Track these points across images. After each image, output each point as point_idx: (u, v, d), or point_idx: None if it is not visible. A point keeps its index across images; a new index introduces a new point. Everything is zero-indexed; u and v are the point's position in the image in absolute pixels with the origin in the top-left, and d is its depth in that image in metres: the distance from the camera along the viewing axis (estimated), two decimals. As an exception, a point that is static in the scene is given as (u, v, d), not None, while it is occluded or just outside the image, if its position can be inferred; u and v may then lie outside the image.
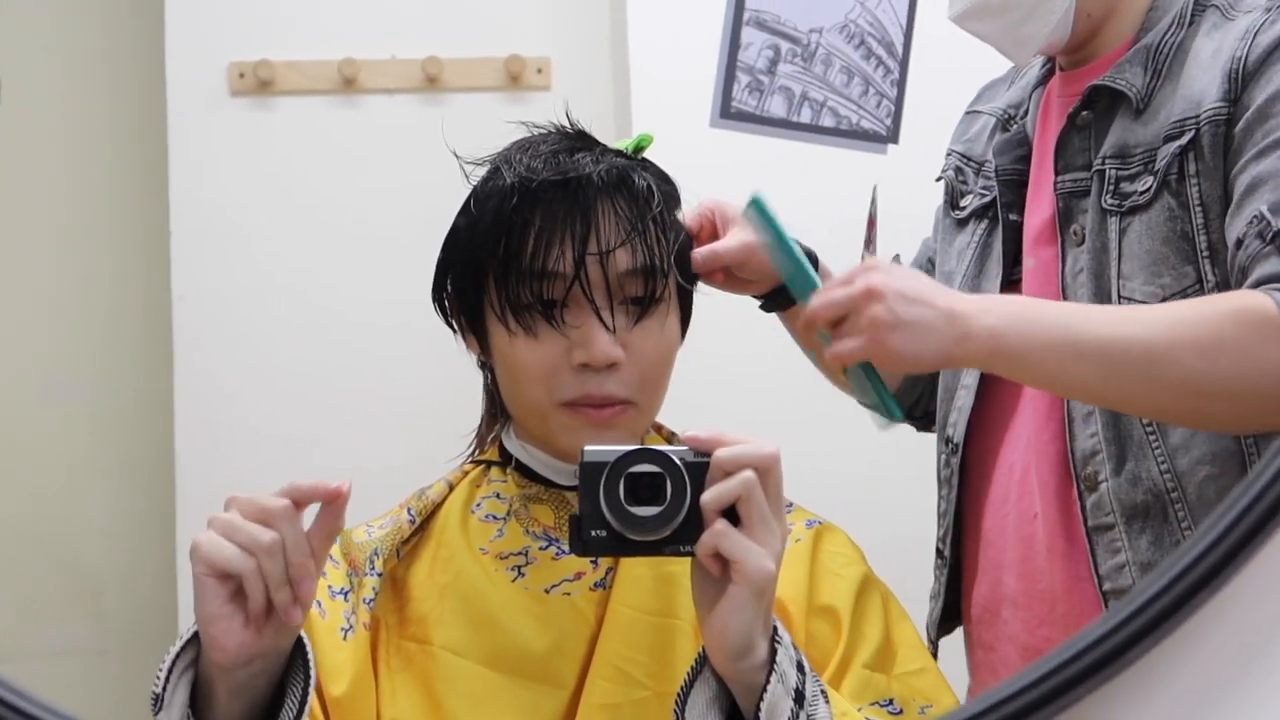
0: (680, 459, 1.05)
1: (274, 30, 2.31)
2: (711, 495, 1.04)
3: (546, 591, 1.26)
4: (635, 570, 1.26)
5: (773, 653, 1.05)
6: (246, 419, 2.21)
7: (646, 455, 1.05)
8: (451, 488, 1.35)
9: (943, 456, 1.60)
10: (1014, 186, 1.56)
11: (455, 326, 1.36)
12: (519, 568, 1.28)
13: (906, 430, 1.70)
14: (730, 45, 2.23)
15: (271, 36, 2.30)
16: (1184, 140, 1.36)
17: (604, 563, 1.28)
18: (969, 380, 1.57)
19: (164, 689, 1.04)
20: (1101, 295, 1.42)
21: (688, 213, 1.37)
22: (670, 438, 1.38)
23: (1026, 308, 1.30)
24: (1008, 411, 1.54)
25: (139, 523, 2.11)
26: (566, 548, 1.26)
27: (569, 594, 1.26)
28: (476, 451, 1.41)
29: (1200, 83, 1.37)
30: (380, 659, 1.26)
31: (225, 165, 2.26)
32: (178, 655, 1.05)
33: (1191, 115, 1.36)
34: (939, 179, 1.69)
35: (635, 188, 1.28)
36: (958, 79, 1.72)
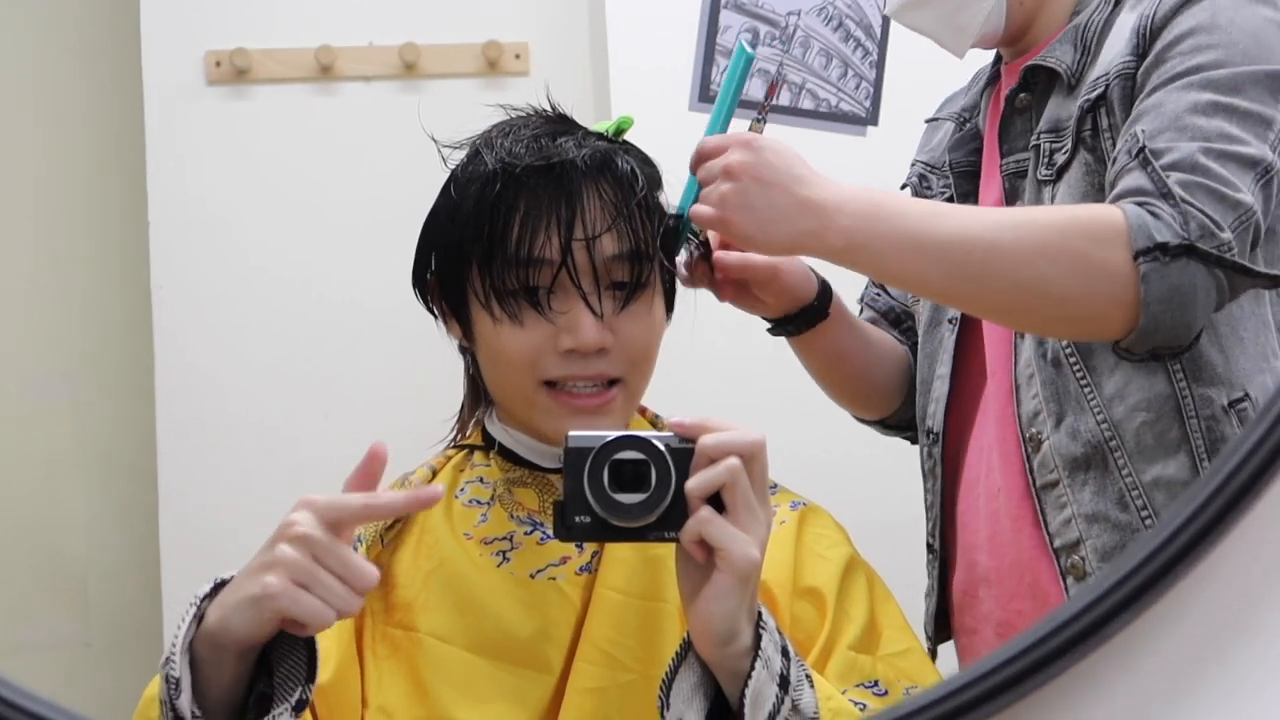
0: (665, 445, 1.05)
1: (250, 18, 2.30)
2: (696, 482, 1.04)
3: (532, 576, 1.26)
4: (620, 553, 1.25)
5: (757, 638, 1.05)
6: (228, 409, 2.20)
7: (631, 442, 1.05)
8: (435, 473, 1.35)
9: (925, 448, 1.62)
10: (968, 178, 1.60)
11: (436, 312, 1.35)
12: (504, 553, 1.27)
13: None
14: (709, 28, 2.22)
15: (248, 25, 2.29)
16: (1094, 96, 1.40)
17: (589, 546, 1.28)
18: (943, 370, 1.58)
19: (180, 672, 1.04)
20: None
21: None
22: (655, 420, 1.38)
23: (882, 205, 1.32)
24: (977, 395, 1.55)
25: (122, 515, 2.10)
26: (551, 532, 1.26)
27: (554, 579, 1.26)
28: (459, 436, 1.41)
29: (1115, 49, 1.41)
30: (365, 646, 1.25)
31: (203, 155, 2.25)
32: (189, 641, 1.05)
33: (1102, 74, 1.41)
34: (903, 187, 1.71)
35: (619, 171, 1.27)
36: (937, 61, 1.72)
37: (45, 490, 2.05)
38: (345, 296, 2.24)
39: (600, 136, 1.32)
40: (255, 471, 2.10)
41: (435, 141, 1.33)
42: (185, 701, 1.03)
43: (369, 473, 1.06)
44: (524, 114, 1.34)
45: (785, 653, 1.08)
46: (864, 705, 1.18)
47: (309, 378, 2.22)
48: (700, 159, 1.33)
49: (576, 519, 1.06)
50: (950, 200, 1.60)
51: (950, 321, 1.58)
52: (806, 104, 2.19)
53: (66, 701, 1.04)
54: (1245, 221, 1.26)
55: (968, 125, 1.64)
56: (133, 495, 2.10)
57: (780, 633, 1.09)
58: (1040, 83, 1.49)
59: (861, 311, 1.71)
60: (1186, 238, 1.24)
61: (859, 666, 1.23)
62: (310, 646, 1.07)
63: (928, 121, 1.76)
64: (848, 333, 1.61)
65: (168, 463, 2.13)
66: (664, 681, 1.07)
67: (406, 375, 2.10)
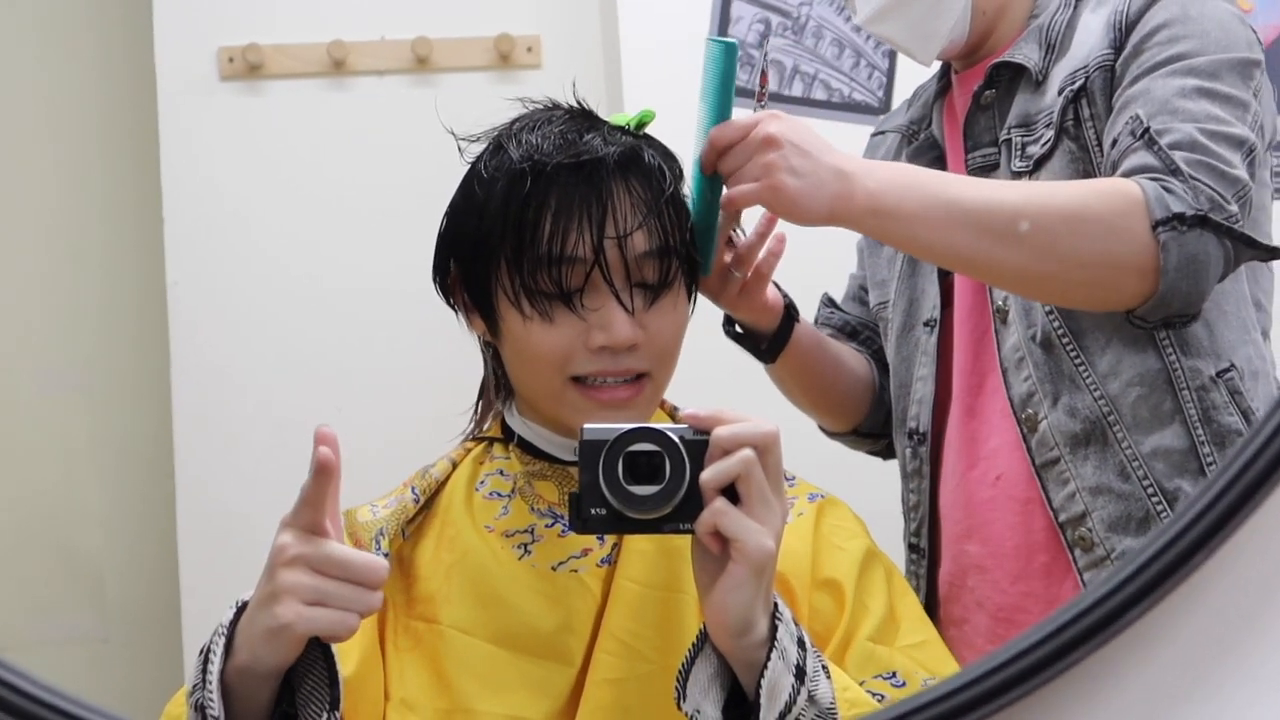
0: (679, 437, 1.05)
1: (262, 14, 2.30)
2: (711, 474, 1.04)
3: (554, 569, 1.26)
4: (640, 545, 1.26)
5: (773, 630, 1.06)
6: (244, 403, 2.20)
7: (646, 434, 1.06)
8: (455, 466, 1.35)
9: (908, 450, 1.65)
10: None
11: (458, 307, 1.35)
12: (525, 545, 1.28)
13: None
14: (721, 19, 2.22)
15: (260, 20, 2.29)
16: (1075, 87, 1.47)
17: (610, 538, 1.28)
18: (924, 372, 1.63)
19: (219, 708, 1.04)
20: None
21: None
22: (673, 412, 1.38)
23: (907, 173, 1.38)
24: (960, 391, 1.60)
25: (139, 511, 2.10)
26: (570, 525, 1.27)
27: (576, 570, 1.26)
28: (476, 429, 1.41)
29: (1089, 45, 1.49)
30: (388, 638, 1.26)
31: (216, 150, 2.25)
32: (221, 672, 1.05)
33: (1081, 67, 1.48)
34: None
35: (647, 168, 1.27)
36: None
37: (62, 486, 2.06)
38: (360, 290, 2.24)
39: (624, 131, 1.31)
40: (272, 465, 2.10)
41: (454, 134, 1.32)
42: None
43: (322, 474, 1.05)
44: (544, 107, 1.33)
45: (801, 643, 1.08)
46: (882, 696, 1.19)
47: (324, 372, 2.22)
48: (720, 147, 1.32)
49: (592, 511, 1.06)
50: None
51: (926, 324, 1.63)
52: (819, 94, 2.19)
53: (85, 697, 1.04)
54: (1244, 195, 1.33)
55: (921, 136, 1.68)
56: (150, 490, 2.11)
57: (796, 623, 1.09)
58: (1004, 80, 1.56)
59: (819, 330, 1.73)
60: (1201, 209, 1.30)
61: (877, 658, 1.23)
62: (330, 666, 1.08)
63: (873, 135, 1.81)
64: (816, 346, 1.64)
65: (184, 457, 2.13)
66: (680, 672, 1.07)
67: (422, 368, 2.11)
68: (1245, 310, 1.49)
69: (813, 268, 1.63)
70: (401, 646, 1.25)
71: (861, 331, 1.77)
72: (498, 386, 1.39)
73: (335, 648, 1.10)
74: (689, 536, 1.07)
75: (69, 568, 2.04)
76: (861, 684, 1.18)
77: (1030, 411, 1.50)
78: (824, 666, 1.10)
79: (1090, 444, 1.47)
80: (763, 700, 1.04)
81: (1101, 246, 1.33)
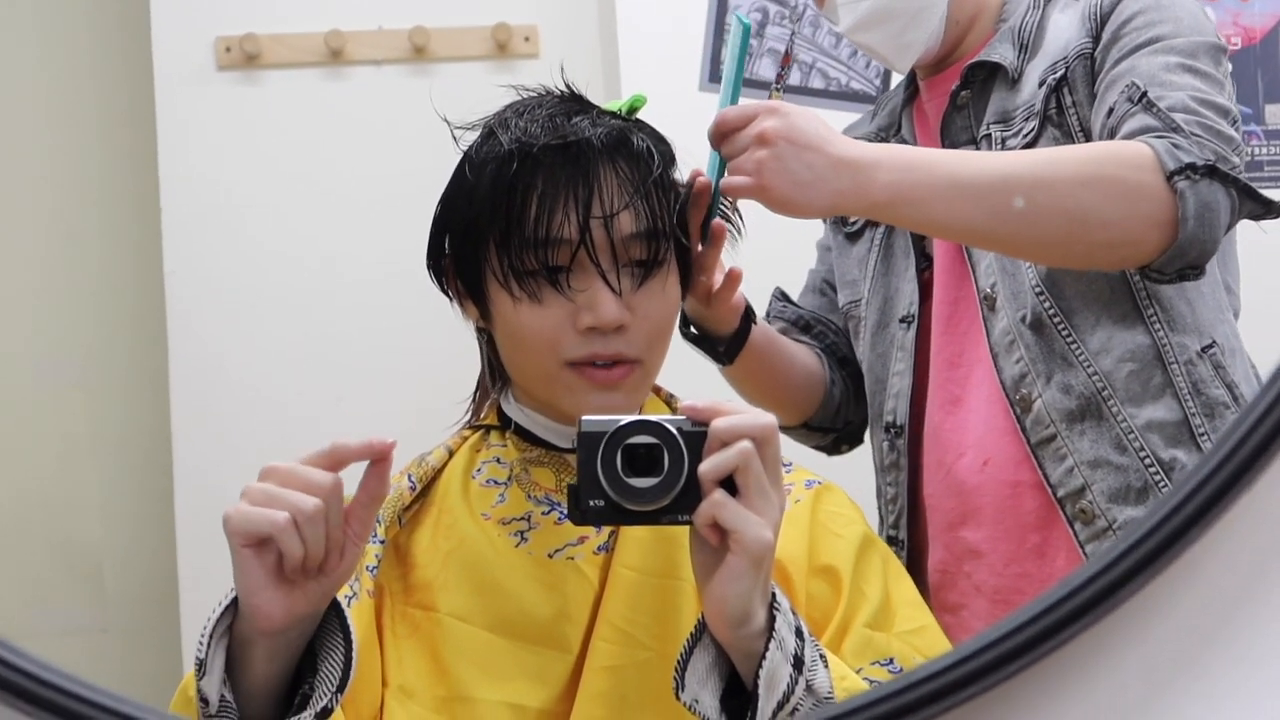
0: (677, 429, 1.05)
1: (259, 4, 2.31)
2: (709, 465, 1.04)
3: (550, 556, 1.26)
4: (637, 532, 1.25)
5: (771, 620, 1.06)
6: (241, 393, 2.21)
7: (644, 426, 1.06)
8: (451, 453, 1.35)
9: (885, 443, 1.68)
10: None
11: (452, 294, 1.35)
12: (522, 533, 1.28)
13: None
14: (718, 8, 2.22)
15: (257, 10, 2.29)
16: (1057, 76, 1.53)
17: (607, 526, 1.28)
18: (900, 367, 1.66)
19: (206, 655, 1.04)
20: None
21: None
22: (669, 400, 1.38)
23: (918, 155, 1.41)
24: (943, 382, 1.63)
25: (137, 501, 2.11)
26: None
27: (572, 558, 1.26)
28: (473, 417, 1.41)
29: (1064, 38, 1.55)
30: (385, 626, 1.26)
31: (214, 140, 2.26)
32: (217, 621, 1.05)
33: (1061, 58, 1.54)
34: None
35: (635, 149, 1.27)
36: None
37: (60, 476, 2.06)
38: (357, 280, 2.25)
39: (614, 115, 1.31)
40: (270, 455, 2.10)
41: (448, 123, 1.33)
42: (211, 684, 1.03)
43: (376, 477, 1.07)
44: (537, 94, 1.33)
45: (799, 633, 1.08)
46: (879, 683, 1.18)
47: (322, 361, 2.22)
48: (723, 132, 1.34)
49: (590, 503, 1.06)
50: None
51: (902, 321, 1.66)
52: (817, 83, 2.19)
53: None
54: (1239, 152, 1.41)
55: (891, 141, 1.71)
56: (148, 480, 2.11)
57: (794, 613, 1.09)
58: (979, 81, 1.61)
59: (771, 324, 1.75)
60: (1210, 159, 1.35)
61: (875, 644, 1.23)
62: (347, 648, 1.08)
63: None
64: (769, 345, 1.66)
65: (182, 447, 2.14)
66: (679, 663, 1.07)
67: (419, 357, 2.11)
68: (1219, 292, 1.54)
69: (767, 265, 1.64)
70: (399, 634, 1.25)
71: (815, 326, 1.79)
72: (493, 374, 1.39)
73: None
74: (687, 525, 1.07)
75: (67, 558, 2.04)
76: (859, 671, 1.18)
77: (1024, 392, 1.53)
78: (822, 655, 1.10)
79: (1086, 419, 1.51)
80: (761, 690, 1.04)
81: (1122, 204, 1.37)
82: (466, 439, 1.36)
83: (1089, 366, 1.51)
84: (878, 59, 1.71)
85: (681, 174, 1.35)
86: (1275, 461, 1.00)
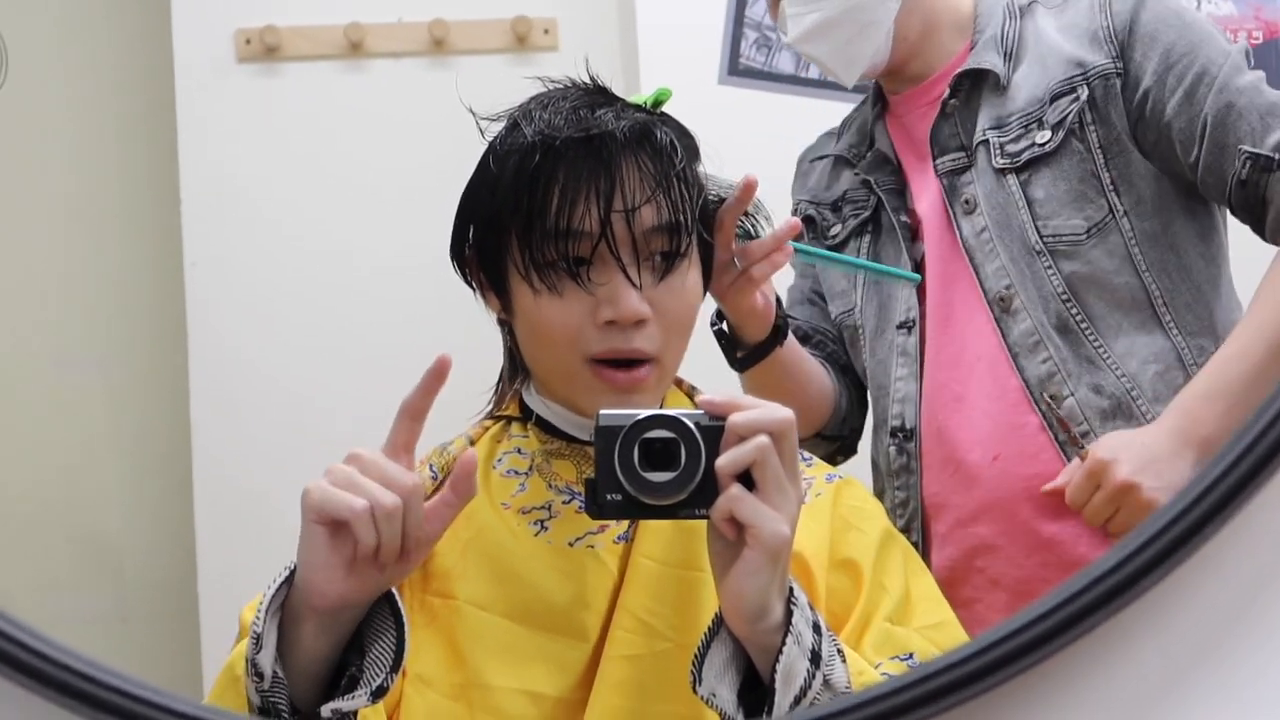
0: (695, 423, 1.05)
1: (280, -4, 2.31)
2: (726, 460, 1.04)
3: (570, 545, 1.26)
4: (657, 523, 1.25)
5: (789, 614, 1.06)
6: (261, 385, 2.21)
7: (661, 420, 1.06)
8: (472, 443, 1.35)
9: (892, 448, 1.70)
10: (895, 195, 1.73)
11: (474, 285, 1.35)
12: (542, 522, 1.28)
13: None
14: (737, 2, 2.22)
15: (277, 2, 2.29)
16: (1080, 95, 1.60)
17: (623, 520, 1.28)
18: (903, 372, 1.69)
19: (263, 627, 1.05)
20: (1013, 242, 1.61)
21: None
22: (690, 392, 1.38)
23: (1219, 397, 1.49)
24: (947, 382, 1.66)
25: (157, 491, 2.11)
26: (589, 502, 1.27)
27: (592, 546, 1.26)
28: (495, 408, 1.41)
29: (1069, 48, 1.62)
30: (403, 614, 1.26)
31: (233, 132, 2.26)
32: (274, 594, 1.06)
33: (1078, 74, 1.60)
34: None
35: (658, 143, 1.26)
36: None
37: (80, 467, 2.06)
38: (376, 272, 2.25)
39: (638, 108, 1.30)
40: (289, 446, 2.11)
41: (473, 114, 1.32)
42: (266, 658, 1.04)
43: (431, 385, 1.11)
44: (562, 86, 1.33)
45: (817, 628, 1.08)
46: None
47: (342, 353, 2.22)
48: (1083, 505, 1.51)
49: (608, 497, 1.06)
50: (868, 222, 1.75)
51: (901, 327, 1.69)
52: (815, 72, 2.19)
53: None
54: None
55: (867, 156, 1.77)
56: (167, 471, 2.12)
57: (812, 608, 1.09)
58: (964, 90, 1.67)
59: None
60: None
61: (895, 639, 1.23)
62: (400, 630, 1.08)
63: (802, 164, 1.89)
64: (793, 362, 1.67)
65: (202, 438, 2.14)
66: (696, 657, 1.08)
67: (440, 348, 2.11)
68: (1231, 295, 1.63)
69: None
70: (417, 623, 1.25)
71: (814, 336, 1.81)
72: (515, 365, 1.39)
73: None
74: None
75: (87, 548, 2.05)
76: (878, 666, 1.18)
77: (1053, 391, 1.58)
78: (839, 650, 1.10)
79: (1117, 417, 1.57)
80: (778, 685, 1.04)
81: None
82: (488, 429, 1.36)
83: (1116, 369, 1.57)
84: (825, 71, 1.74)
85: (703, 168, 1.35)
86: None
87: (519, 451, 1.33)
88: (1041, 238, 1.59)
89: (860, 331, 1.75)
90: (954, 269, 1.64)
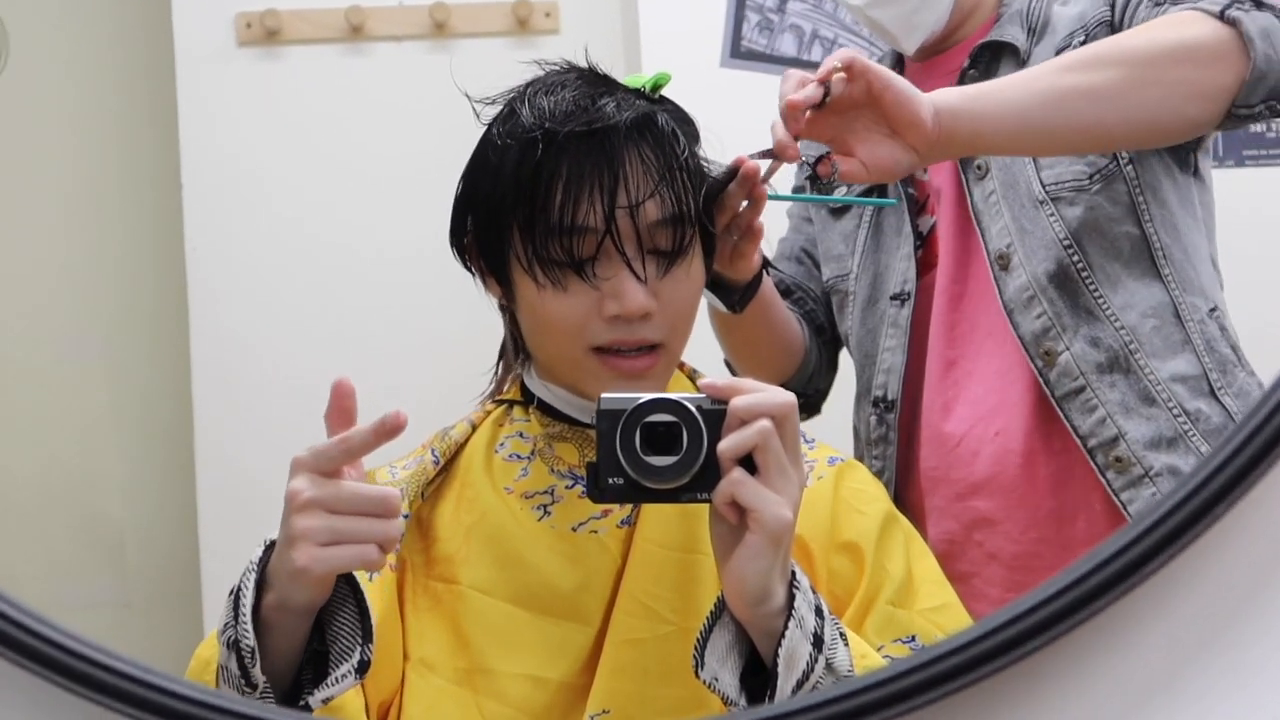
0: (697, 407, 1.05)
1: (280, -20, 2.30)
2: (728, 444, 1.04)
3: (573, 530, 1.27)
4: (660, 506, 1.25)
5: (791, 598, 1.06)
6: (262, 369, 2.21)
7: (663, 404, 1.06)
8: (474, 428, 1.35)
9: (873, 418, 1.70)
10: None
11: (475, 272, 1.35)
12: (545, 506, 1.28)
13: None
14: (740, -15, 2.21)
15: (277, -14, 2.29)
16: (1077, 43, 1.56)
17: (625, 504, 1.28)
18: (892, 343, 1.68)
19: (253, 640, 1.05)
20: (1017, 199, 1.59)
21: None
22: (692, 375, 1.38)
23: (977, 99, 1.42)
24: (939, 356, 1.65)
25: (159, 476, 2.11)
26: (592, 487, 1.27)
27: (596, 531, 1.26)
28: (496, 391, 1.41)
29: (1076, 12, 1.60)
30: (406, 599, 1.26)
31: (234, 116, 2.25)
32: (253, 609, 1.06)
33: (1079, 27, 1.58)
34: (798, 188, 1.84)
35: (660, 133, 1.25)
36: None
37: (82, 452, 2.07)
38: (378, 255, 2.25)
39: (639, 94, 1.29)
40: (291, 430, 2.09)
41: (469, 99, 1.32)
42: (260, 671, 1.04)
43: (340, 410, 1.07)
44: (560, 69, 1.32)
45: (819, 611, 1.08)
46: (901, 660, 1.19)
47: (344, 337, 2.22)
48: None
49: (610, 481, 1.06)
50: (874, 187, 1.71)
51: (895, 298, 1.68)
52: (818, 55, 2.18)
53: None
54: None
55: None
56: (170, 455, 2.12)
57: (814, 591, 1.09)
58: (984, 61, 1.65)
59: None
60: None
61: (897, 621, 1.24)
62: (360, 601, 1.08)
63: None
64: (771, 296, 1.66)
65: (204, 423, 2.14)
66: (698, 641, 1.08)
67: (441, 333, 2.11)
68: (1211, 265, 1.62)
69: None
70: (420, 607, 1.25)
71: (794, 292, 1.80)
72: (516, 350, 1.39)
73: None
74: None
75: (90, 533, 2.05)
76: (880, 649, 1.19)
77: (1048, 346, 1.56)
78: (842, 634, 1.10)
79: (1114, 371, 1.55)
80: (780, 668, 1.04)
81: (1185, 38, 1.42)
82: (489, 413, 1.36)
83: (1115, 321, 1.55)
84: (885, 38, 1.72)
85: (704, 152, 1.35)
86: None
87: (521, 436, 1.33)
88: (1044, 186, 1.58)
89: (850, 298, 1.74)
90: (970, 242, 1.63)
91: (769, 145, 1.34)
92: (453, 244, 1.34)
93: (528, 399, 1.35)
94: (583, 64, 1.32)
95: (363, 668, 1.07)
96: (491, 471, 1.30)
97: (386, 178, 2.25)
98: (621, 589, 1.24)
